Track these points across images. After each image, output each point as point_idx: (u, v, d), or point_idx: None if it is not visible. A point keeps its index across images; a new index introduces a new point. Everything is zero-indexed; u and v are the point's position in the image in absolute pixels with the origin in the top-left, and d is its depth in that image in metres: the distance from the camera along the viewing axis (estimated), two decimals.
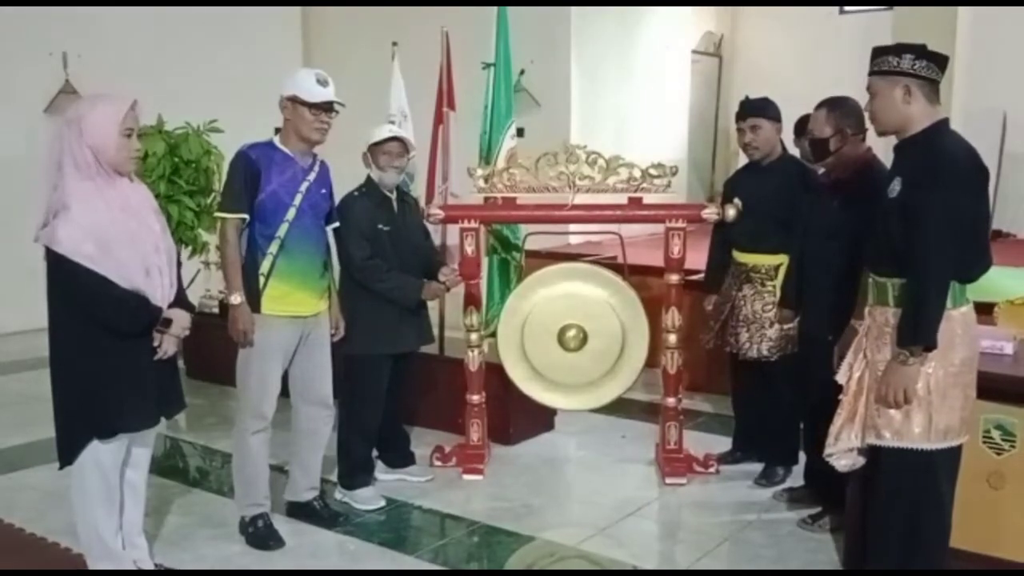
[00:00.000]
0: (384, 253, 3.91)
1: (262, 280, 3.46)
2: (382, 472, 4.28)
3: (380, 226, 3.90)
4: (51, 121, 7.00)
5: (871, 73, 2.79)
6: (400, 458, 4.33)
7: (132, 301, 2.84)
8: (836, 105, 3.62)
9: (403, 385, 4.19)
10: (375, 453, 4.22)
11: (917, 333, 2.64)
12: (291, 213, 3.44)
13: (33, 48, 7.43)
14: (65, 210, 2.75)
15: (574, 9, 8.45)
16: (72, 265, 2.73)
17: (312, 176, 3.53)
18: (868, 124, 3.55)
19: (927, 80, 2.71)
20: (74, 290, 2.78)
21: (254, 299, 3.46)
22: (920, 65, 2.71)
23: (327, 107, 3.46)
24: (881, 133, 2.83)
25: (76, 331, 2.84)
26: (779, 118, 4.17)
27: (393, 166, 3.91)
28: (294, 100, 3.44)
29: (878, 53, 2.78)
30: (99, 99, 2.93)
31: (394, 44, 5.32)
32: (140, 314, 2.87)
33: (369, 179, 3.97)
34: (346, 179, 4.01)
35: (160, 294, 2.93)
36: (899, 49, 2.73)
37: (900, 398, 2.68)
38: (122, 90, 2.95)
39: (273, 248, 3.45)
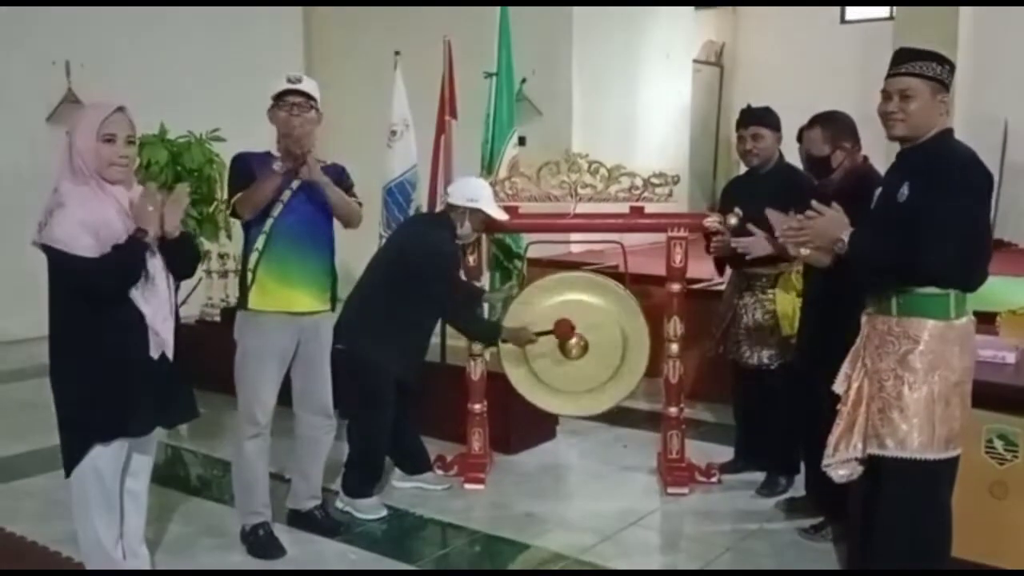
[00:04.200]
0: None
1: (250, 277, 3.49)
2: (399, 480, 4.27)
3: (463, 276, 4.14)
4: (53, 130, 7.00)
5: (912, 75, 2.72)
6: (417, 466, 4.32)
7: (111, 254, 2.76)
8: (830, 121, 3.62)
9: (412, 394, 4.21)
10: (390, 462, 4.22)
11: (861, 253, 2.72)
12: (277, 208, 3.45)
13: (36, 57, 7.44)
14: (60, 208, 2.74)
15: (576, 18, 8.48)
16: (70, 258, 2.72)
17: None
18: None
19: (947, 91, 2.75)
20: (73, 281, 2.77)
21: (244, 297, 3.49)
22: (951, 78, 2.75)
23: (293, 97, 3.44)
24: (900, 137, 2.78)
25: (77, 332, 2.83)
26: (779, 127, 4.17)
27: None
28: (271, 105, 3.48)
29: (916, 56, 2.74)
30: (87, 106, 2.95)
31: (397, 53, 5.35)
32: (123, 257, 2.78)
33: (451, 228, 3.99)
34: None
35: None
36: (942, 59, 2.73)
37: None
38: (124, 98, 2.93)
39: (260, 243, 3.47)
